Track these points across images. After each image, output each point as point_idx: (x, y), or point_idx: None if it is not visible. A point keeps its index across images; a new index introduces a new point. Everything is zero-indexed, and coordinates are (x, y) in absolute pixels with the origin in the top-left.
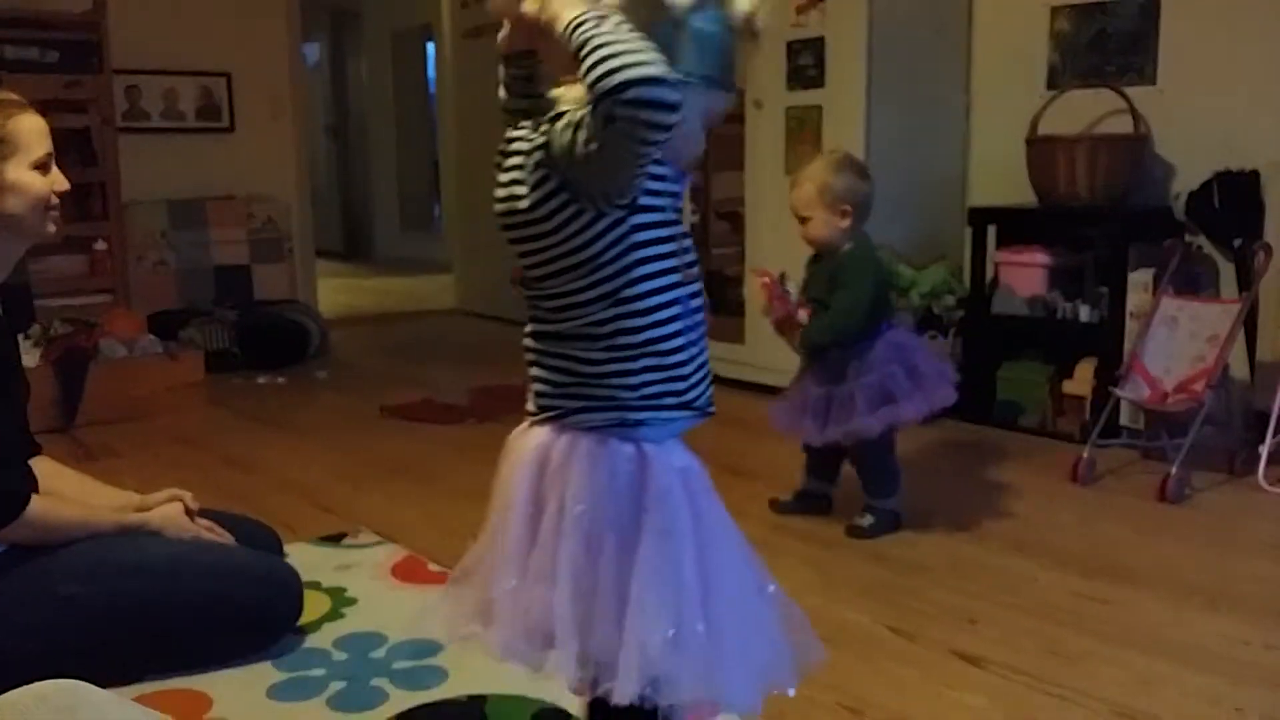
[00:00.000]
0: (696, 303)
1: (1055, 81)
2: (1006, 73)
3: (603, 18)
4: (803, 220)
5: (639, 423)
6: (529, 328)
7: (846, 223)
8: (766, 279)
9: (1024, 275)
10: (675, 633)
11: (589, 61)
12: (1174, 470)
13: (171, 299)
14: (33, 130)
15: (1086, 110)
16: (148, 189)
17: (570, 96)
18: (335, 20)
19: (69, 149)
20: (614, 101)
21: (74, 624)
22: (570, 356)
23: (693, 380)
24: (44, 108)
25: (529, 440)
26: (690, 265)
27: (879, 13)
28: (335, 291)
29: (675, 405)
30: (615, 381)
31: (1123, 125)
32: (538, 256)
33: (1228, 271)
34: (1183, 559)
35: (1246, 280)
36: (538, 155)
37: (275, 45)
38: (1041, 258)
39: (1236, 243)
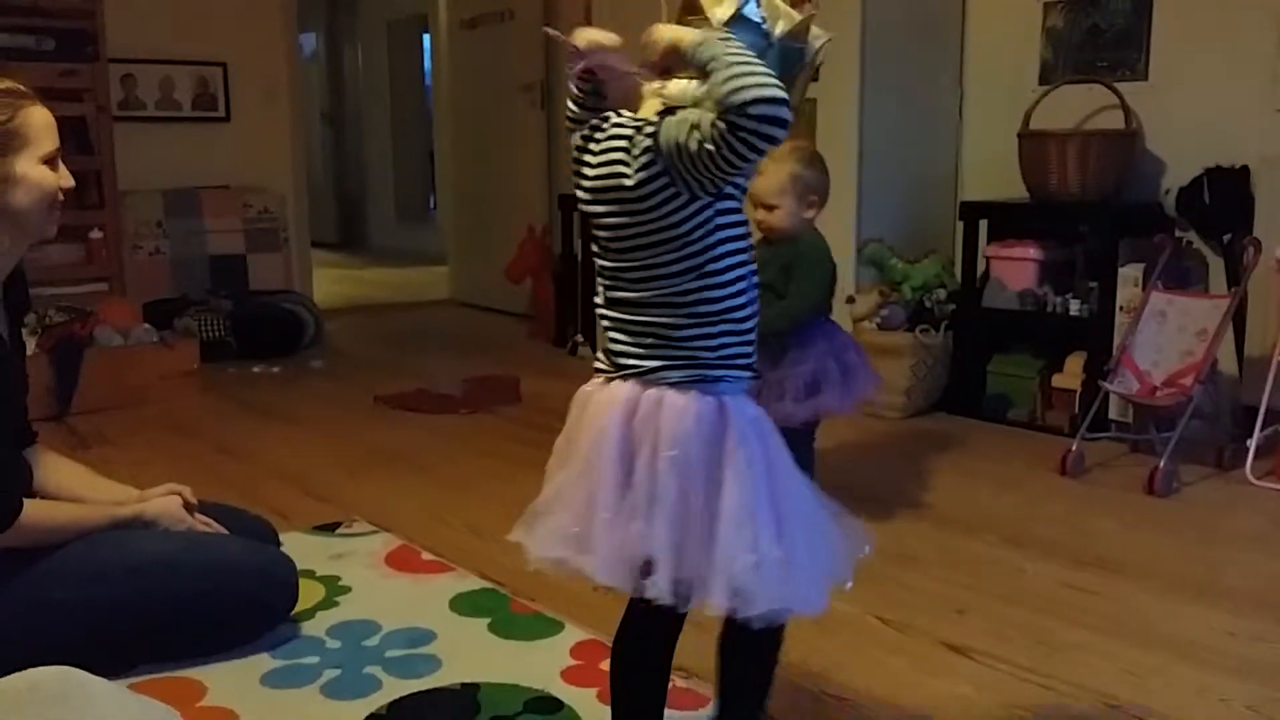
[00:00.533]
0: (755, 278)
1: (1048, 77)
2: (999, 68)
3: (727, 38)
4: (769, 208)
5: (718, 379)
6: (601, 296)
7: (812, 214)
8: None
9: (1015, 269)
10: (755, 557)
11: (721, 76)
12: (1162, 464)
13: (167, 288)
14: (42, 124)
15: (1078, 106)
16: (143, 178)
17: (674, 93)
18: (331, 10)
19: (65, 138)
20: (742, 114)
21: (68, 628)
22: (652, 322)
23: (754, 345)
24: (40, 96)
25: (614, 394)
26: (751, 248)
27: (872, 8)
28: (330, 281)
29: (744, 365)
30: (697, 344)
31: (1114, 121)
32: (632, 229)
33: (1217, 267)
34: (1170, 551)
35: (1236, 276)
36: (646, 142)
37: (271, 35)
38: (1032, 252)
39: (1226, 238)
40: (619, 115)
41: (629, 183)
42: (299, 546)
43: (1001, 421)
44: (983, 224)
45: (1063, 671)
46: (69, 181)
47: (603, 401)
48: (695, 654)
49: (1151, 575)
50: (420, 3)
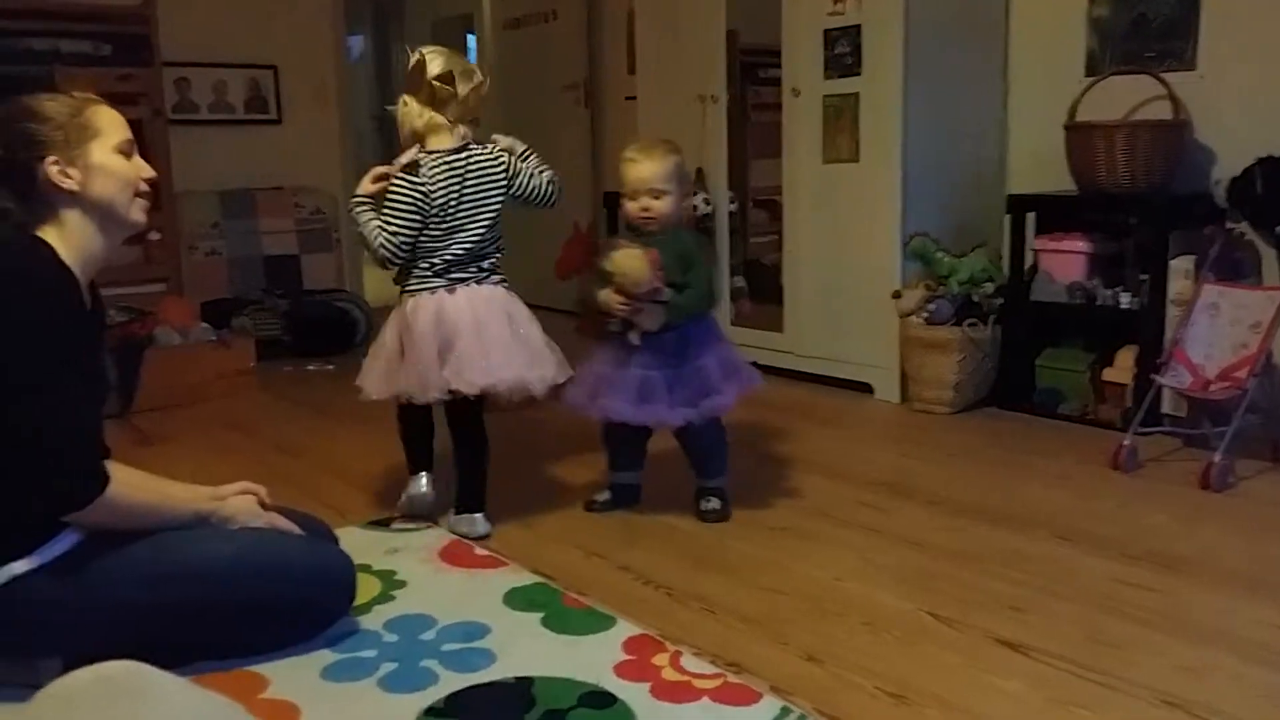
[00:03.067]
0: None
1: (1094, 68)
2: (1044, 59)
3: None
4: (658, 194)
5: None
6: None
7: (688, 203)
8: (654, 254)
9: (1064, 262)
10: None
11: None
12: (1217, 458)
13: (223, 288)
14: (110, 118)
15: (1126, 96)
16: (199, 180)
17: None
18: (378, 12)
19: None
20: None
21: (133, 624)
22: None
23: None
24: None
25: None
26: None
27: (916, 1)
28: (381, 280)
29: None
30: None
31: (1162, 111)
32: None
33: (1270, 258)
34: (1226, 547)
35: None
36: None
37: (320, 38)
38: (1081, 245)
39: (1279, 229)
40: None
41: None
42: (355, 541)
43: (1052, 416)
44: (1030, 217)
45: (1118, 668)
46: (148, 171)
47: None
48: (747, 649)
49: (1207, 571)
50: (465, 3)
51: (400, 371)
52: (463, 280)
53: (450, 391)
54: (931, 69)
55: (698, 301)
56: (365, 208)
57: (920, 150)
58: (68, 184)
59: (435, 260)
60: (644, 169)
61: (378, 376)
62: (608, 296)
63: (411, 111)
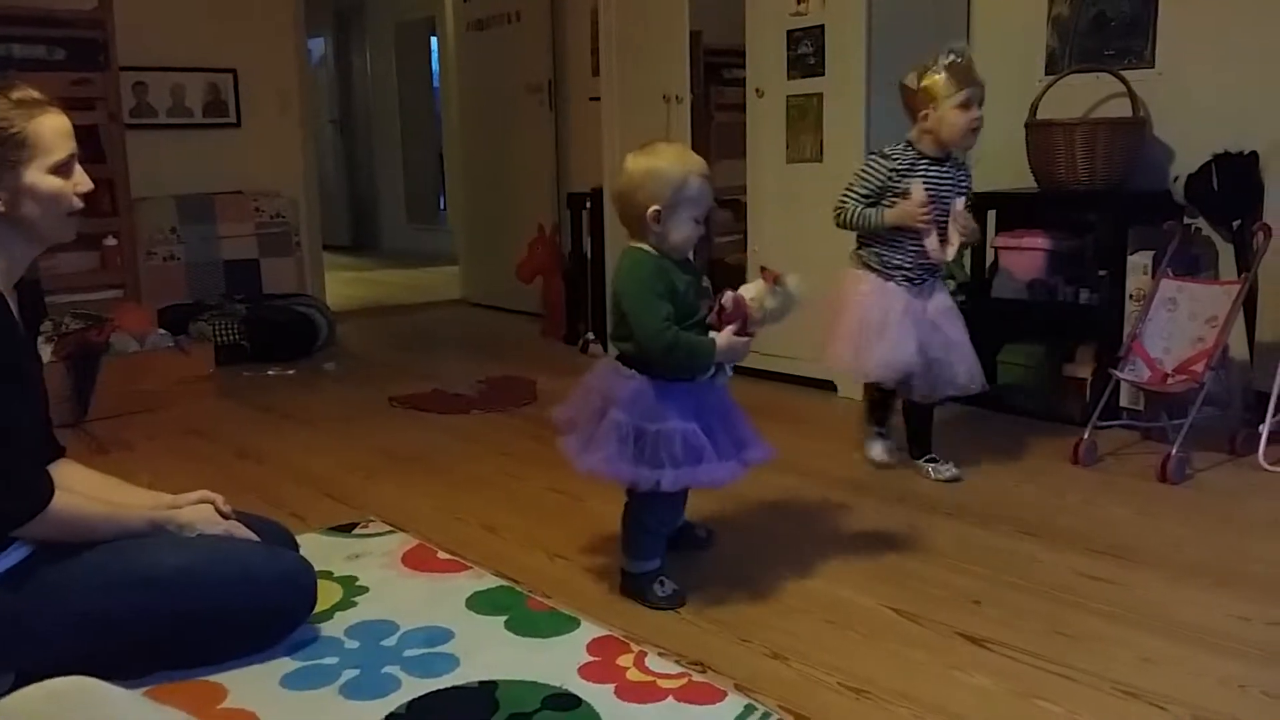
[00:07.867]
0: None
1: (1054, 66)
2: (1005, 58)
3: None
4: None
5: None
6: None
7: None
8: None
9: (1024, 259)
10: None
11: None
12: (1174, 451)
13: (181, 293)
14: (55, 131)
15: (1085, 94)
16: (156, 185)
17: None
18: (339, 15)
19: (78, 146)
20: None
21: (89, 636)
22: None
23: None
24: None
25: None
26: None
27: (877, 0)
28: (342, 284)
29: None
30: None
31: (1121, 109)
32: None
33: (1227, 253)
34: (1185, 539)
35: (1246, 261)
36: None
37: (281, 41)
38: (1041, 242)
39: (1235, 224)
40: None
41: None
42: (316, 547)
43: (1013, 411)
44: (991, 214)
45: (1080, 660)
46: (86, 185)
47: None
48: (711, 648)
49: (1167, 563)
50: (427, 5)
51: None
52: None
53: None
54: (894, 68)
55: None
56: None
57: (883, 148)
58: None
59: None
60: (707, 193)
61: None
62: (733, 338)
63: None
